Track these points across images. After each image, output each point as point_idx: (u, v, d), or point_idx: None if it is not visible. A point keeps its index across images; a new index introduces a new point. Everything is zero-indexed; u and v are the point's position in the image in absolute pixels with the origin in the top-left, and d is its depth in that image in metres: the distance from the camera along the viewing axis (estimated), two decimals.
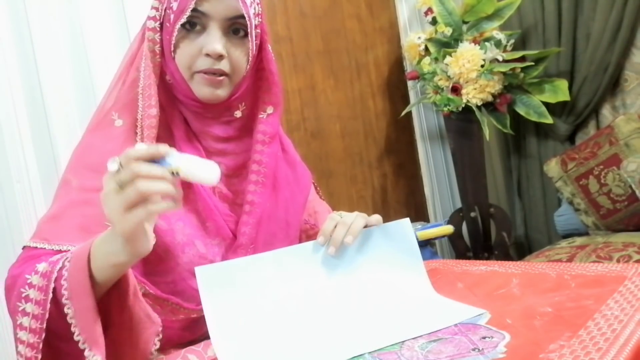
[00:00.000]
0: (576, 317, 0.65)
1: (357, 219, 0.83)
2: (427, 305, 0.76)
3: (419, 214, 2.56)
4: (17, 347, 0.67)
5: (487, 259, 2.33)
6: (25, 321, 0.65)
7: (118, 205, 0.58)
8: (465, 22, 2.20)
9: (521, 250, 2.53)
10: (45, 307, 0.65)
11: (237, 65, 0.82)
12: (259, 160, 0.87)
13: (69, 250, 0.70)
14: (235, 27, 0.80)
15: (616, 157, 1.98)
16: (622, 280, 0.75)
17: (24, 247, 0.77)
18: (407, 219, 0.86)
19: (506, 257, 2.29)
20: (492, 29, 2.18)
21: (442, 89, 2.20)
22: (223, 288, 0.74)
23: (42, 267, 0.68)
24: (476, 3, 2.14)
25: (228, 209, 0.86)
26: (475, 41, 2.15)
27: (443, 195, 2.62)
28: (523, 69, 2.17)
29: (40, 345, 0.64)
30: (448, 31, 2.18)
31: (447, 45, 2.20)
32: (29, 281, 0.67)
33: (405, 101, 2.50)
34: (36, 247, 0.74)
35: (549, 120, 2.19)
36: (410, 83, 2.50)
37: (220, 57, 0.79)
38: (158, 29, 0.81)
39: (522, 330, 0.64)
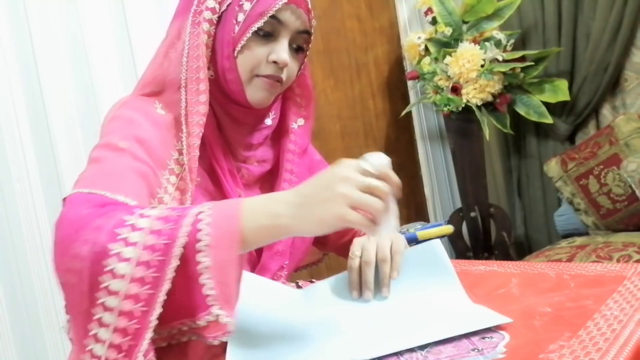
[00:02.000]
0: (576, 317, 0.65)
1: (396, 244, 0.82)
2: (460, 311, 0.74)
3: (419, 214, 2.56)
4: (97, 297, 0.54)
5: (487, 259, 2.33)
6: (123, 268, 0.54)
7: (349, 196, 0.59)
8: (465, 22, 2.20)
9: (521, 250, 2.53)
10: (168, 254, 0.55)
11: (290, 76, 0.84)
12: (290, 169, 0.89)
13: (133, 205, 0.63)
14: (296, 41, 0.82)
15: (616, 157, 1.98)
16: (622, 280, 0.75)
17: (66, 197, 0.65)
18: (438, 241, 0.85)
19: (506, 257, 2.29)
20: (492, 29, 2.18)
21: (442, 89, 2.20)
22: (254, 300, 0.72)
23: (154, 212, 0.59)
24: (476, 3, 2.14)
25: None
26: (475, 41, 2.15)
27: (443, 195, 2.62)
28: (523, 69, 2.17)
29: (158, 297, 0.55)
30: (448, 31, 2.18)
31: (447, 45, 2.20)
32: (129, 222, 0.57)
33: (405, 101, 2.50)
34: (93, 194, 0.64)
35: (549, 120, 2.19)
36: (410, 83, 2.50)
37: (285, 66, 0.80)
38: (215, 21, 0.79)
39: (522, 331, 0.64)
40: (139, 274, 0.55)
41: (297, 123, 0.91)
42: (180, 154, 0.77)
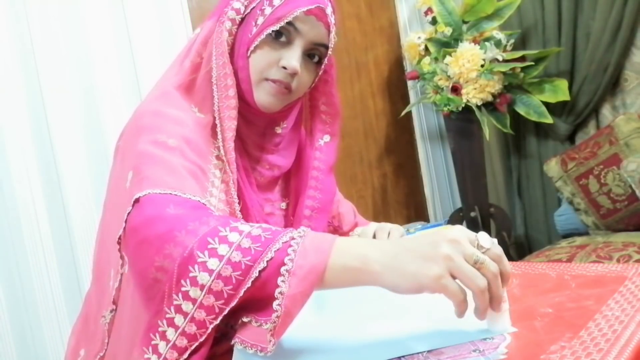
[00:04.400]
0: (577, 318, 0.65)
1: (392, 234, 0.84)
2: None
3: (419, 213, 2.56)
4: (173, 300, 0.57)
5: None
6: (204, 277, 0.56)
7: (453, 260, 0.55)
8: (465, 22, 2.20)
9: (521, 250, 2.53)
10: (247, 274, 0.56)
11: (302, 86, 0.84)
12: (314, 186, 0.90)
13: (204, 202, 0.65)
14: (312, 52, 0.83)
15: (616, 156, 1.98)
16: (623, 280, 0.75)
17: (140, 198, 0.65)
18: None
19: (506, 257, 2.29)
20: (492, 29, 2.18)
21: (442, 89, 2.20)
22: None
23: (246, 227, 0.59)
24: (476, 3, 2.14)
25: (263, 216, 0.87)
26: (475, 41, 2.15)
27: (443, 195, 2.62)
28: (523, 69, 2.18)
29: (225, 311, 0.56)
30: (448, 31, 2.18)
31: (447, 45, 2.20)
32: (222, 234, 0.58)
33: (405, 101, 2.50)
34: (168, 194, 0.65)
35: (549, 120, 2.19)
36: (410, 83, 2.50)
37: (294, 74, 0.80)
38: (238, 22, 0.81)
39: (523, 331, 0.64)
40: (217, 287, 0.56)
41: (323, 140, 0.92)
42: (219, 151, 0.79)
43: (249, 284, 0.56)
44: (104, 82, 1.56)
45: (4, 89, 1.42)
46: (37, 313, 1.43)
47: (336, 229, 1.01)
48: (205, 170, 0.76)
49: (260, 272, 0.56)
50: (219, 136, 0.78)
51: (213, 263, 0.56)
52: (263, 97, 0.81)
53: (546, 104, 2.19)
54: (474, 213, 2.36)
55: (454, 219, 2.36)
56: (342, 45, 2.33)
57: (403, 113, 2.38)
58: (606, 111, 2.29)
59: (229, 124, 0.78)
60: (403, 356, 0.63)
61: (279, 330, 0.56)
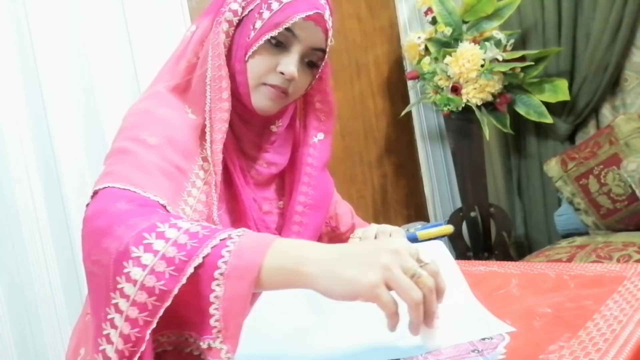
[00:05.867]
0: (575, 318, 0.65)
1: (393, 236, 0.84)
2: (463, 318, 0.73)
3: (419, 213, 2.56)
4: (111, 299, 0.55)
5: (487, 259, 2.34)
6: (137, 273, 0.54)
7: (391, 270, 0.53)
8: (465, 22, 2.20)
9: (521, 250, 2.53)
10: (182, 271, 0.54)
11: (299, 89, 0.84)
12: (307, 182, 0.90)
13: (163, 203, 0.65)
14: (309, 56, 0.83)
15: (616, 156, 1.98)
16: (621, 280, 0.75)
17: (98, 190, 0.66)
18: (440, 242, 0.86)
19: (506, 257, 2.29)
20: (492, 29, 2.18)
21: (442, 89, 2.20)
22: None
23: (186, 224, 0.58)
24: (476, 3, 2.14)
25: (260, 214, 0.87)
26: (475, 41, 2.15)
27: (443, 195, 2.62)
28: (523, 69, 2.18)
29: (160, 310, 0.54)
30: (448, 31, 2.18)
31: (447, 45, 2.20)
32: (159, 229, 0.56)
33: (405, 101, 2.50)
34: (127, 190, 0.65)
35: (549, 120, 2.19)
36: (410, 83, 2.50)
37: (292, 79, 0.81)
38: (235, 23, 0.81)
39: (522, 331, 0.64)
40: (150, 283, 0.54)
41: (317, 137, 0.92)
42: (207, 152, 0.79)
43: (183, 281, 0.54)
44: (104, 82, 1.56)
45: (4, 89, 1.42)
46: (37, 313, 1.43)
47: (333, 230, 1.01)
48: (185, 170, 0.76)
49: (196, 268, 0.54)
50: (208, 137, 0.78)
51: (147, 258, 0.54)
52: (261, 101, 0.82)
53: (546, 104, 2.19)
54: (474, 213, 2.36)
55: (454, 219, 2.36)
56: (342, 45, 2.33)
57: (403, 113, 2.38)
58: (606, 111, 2.29)
59: (219, 126, 0.77)
60: (403, 358, 0.63)
61: (228, 337, 0.54)
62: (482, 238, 2.37)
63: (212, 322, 0.54)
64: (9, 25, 1.44)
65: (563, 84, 2.20)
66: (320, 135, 0.92)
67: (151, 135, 0.74)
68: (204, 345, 0.55)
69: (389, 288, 0.54)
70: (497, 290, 0.81)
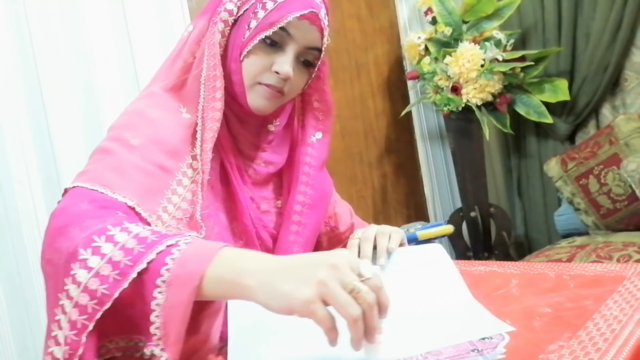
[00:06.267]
0: (575, 318, 0.65)
1: (393, 237, 0.85)
2: (463, 318, 0.74)
3: (419, 213, 2.56)
4: (59, 297, 0.55)
5: (487, 258, 2.34)
6: (83, 275, 0.55)
7: (328, 286, 0.52)
8: (465, 22, 2.20)
9: (521, 250, 2.53)
10: (125, 275, 0.55)
11: (294, 88, 0.84)
12: (305, 181, 0.90)
13: (132, 204, 0.65)
14: (305, 55, 0.83)
15: (616, 156, 1.98)
16: (621, 280, 0.75)
17: (68, 189, 0.68)
18: (439, 245, 0.86)
19: (506, 257, 2.29)
20: (492, 29, 2.18)
21: (442, 89, 2.20)
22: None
23: (137, 229, 0.58)
24: (476, 3, 2.14)
25: (258, 213, 0.88)
26: (475, 41, 2.15)
27: (443, 195, 2.62)
28: (523, 69, 2.18)
29: (98, 314, 0.54)
30: (448, 31, 2.18)
31: (447, 45, 2.20)
32: (110, 232, 0.57)
33: (405, 101, 2.50)
34: (95, 191, 0.66)
35: (549, 120, 2.19)
36: (410, 83, 2.50)
37: (287, 79, 0.81)
38: (231, 23, 0.81)
39: (522, 331, 0.64)
40: (93, 285, 0.54)
41: (315, 136, 0.92)
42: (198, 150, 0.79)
43: (125, 285, 0.54)
44: (104, 82, 1.56)
45: (4, 89, 1.42)
46: (37, 313, 1.43)
47: (332, 230, 1.01)
48: (171, 169, 0.75)
49: (140, 274, 0.55)
50: (198, 136, 0.78)
51: (94, 261, 0.55)
52: (256, 100, 0.82)
53: (546, 104, 2.19)
54: (474, 213, 2.36)
55: (454, 219, 2.36)
56: (342, 45, 2.33)
57: (403, 113, 2.38)
58: (606, 111, 2.29)
59: (211, 125, 0.77)
60: (403, 358, 0.63)
61: (167, 344, 0.55)
62: (482, 238, 2.37)
63: (152, 329, 0.54)
64: (9, 25, 1.44)
65: (563, 84, 2.20)
66: (319, 135, 0.92)
67: (135, 136, 0.75)
68: (147, 352, 0.55)
69: (327, 303, 0.53)
70: (497, 290, 0.81)
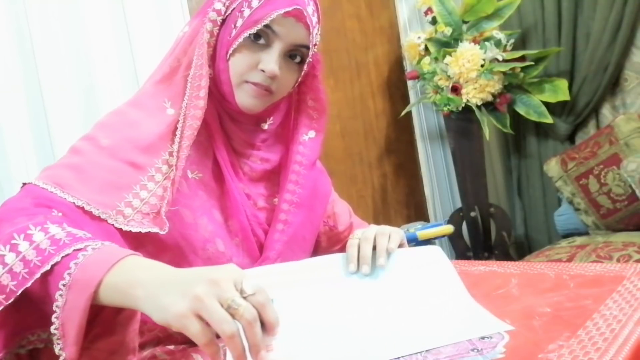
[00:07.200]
0: (575, 317, 0.65)
1: (392, 237, 0.85)
2: (462, 316, 0.74)
3: (419, 213, 2.56)
4: None
5: (487, 258, 2.34)
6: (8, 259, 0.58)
7: (202, 301, 0.51)
8: (465, 22, 2.20)
9: (521, 250, 2.53)
10: (32, 274, 0.57)
11: (284, 87, 0.84)
12: (295, 180, 0.89)
13: (80, 204, 0.67)
14: (293, 53, 0.82)
15: (616, 156, 1.98)
16: (621, 280, 0.75)
17: (24, 184, 0.71)
18: (438, 247, 0.86)
19: (506, 257, 2.29)
20: (492, 29, 2.18)
21: (442, 89, 2.20)
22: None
23: (55, 229, 0.60)
24: (476, 3, 2.14)
25: (254, 210, 0.87)
26: (475, 41, 2.15)
27: (443, 195, 2.62)
28: (523, 69, 2.18)
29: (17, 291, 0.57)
30: (448, 31, 2.18)
31: (447, 45, 2.20)
32: (30, 231, 0.59)
33: (405, 101, 2.50)
34: (45, 189, 0.69)
35: (549, 120, 2.19)
36: (410, 83, 2.50)
37: (274, 77, 0.80)
38: (219, 23, 0.81)
39: (521, 331, 0.64)
40: (5, 281, 0.57)
41: (307, 135, 0.92)
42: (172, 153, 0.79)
43: (28, 285, 0.57)
44: (104, 82, 1.56)
45: (4, 89, 1.42)
46: None
47: (331, 229, 1.01)
48: (143, 165, 0.76)
49: (45, 275, 0.57)
50: (178, 132, 0.78)
51: (10, 257, 0.58)
52: (244, 99, 0.82)
53: (546, 104, 2.19)
54: (474, 213, 2.36)
55: (454, 219, 2.36)
56: (342, 45, 2.33)
57: (403, 113, 2.38)
58: (606, 111, 2.29)
59: (191, 123, 0.78)
60: (402, 356, 0.63)
61: (67, 344, 0.56)
62: (482, 238, 2.37)
63: (52, 329, 0.56)
64: (9, 25, 1.44)
65: (563, 84, 2.20)
66: (312, 134, 0.92)
67: (107, 136, 0.77)
68: (55, 349, 0.57)
69: (203, 319, 0.52)
70: (496, 290, 0.81)
